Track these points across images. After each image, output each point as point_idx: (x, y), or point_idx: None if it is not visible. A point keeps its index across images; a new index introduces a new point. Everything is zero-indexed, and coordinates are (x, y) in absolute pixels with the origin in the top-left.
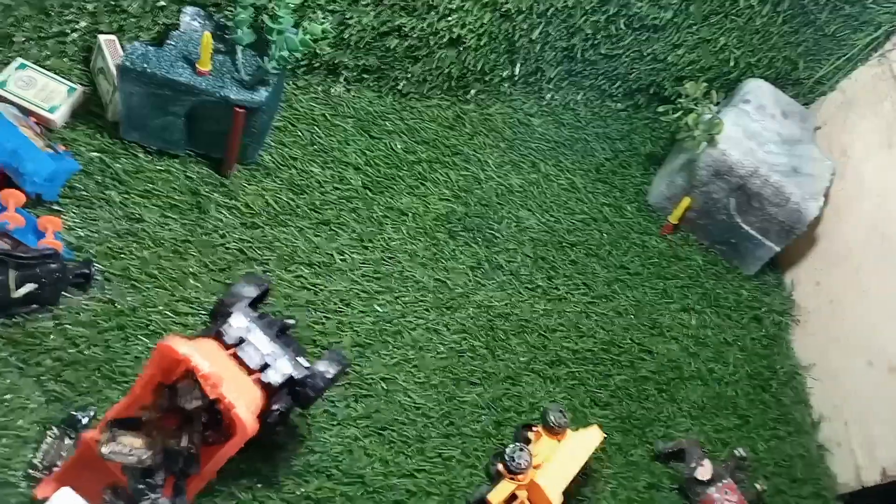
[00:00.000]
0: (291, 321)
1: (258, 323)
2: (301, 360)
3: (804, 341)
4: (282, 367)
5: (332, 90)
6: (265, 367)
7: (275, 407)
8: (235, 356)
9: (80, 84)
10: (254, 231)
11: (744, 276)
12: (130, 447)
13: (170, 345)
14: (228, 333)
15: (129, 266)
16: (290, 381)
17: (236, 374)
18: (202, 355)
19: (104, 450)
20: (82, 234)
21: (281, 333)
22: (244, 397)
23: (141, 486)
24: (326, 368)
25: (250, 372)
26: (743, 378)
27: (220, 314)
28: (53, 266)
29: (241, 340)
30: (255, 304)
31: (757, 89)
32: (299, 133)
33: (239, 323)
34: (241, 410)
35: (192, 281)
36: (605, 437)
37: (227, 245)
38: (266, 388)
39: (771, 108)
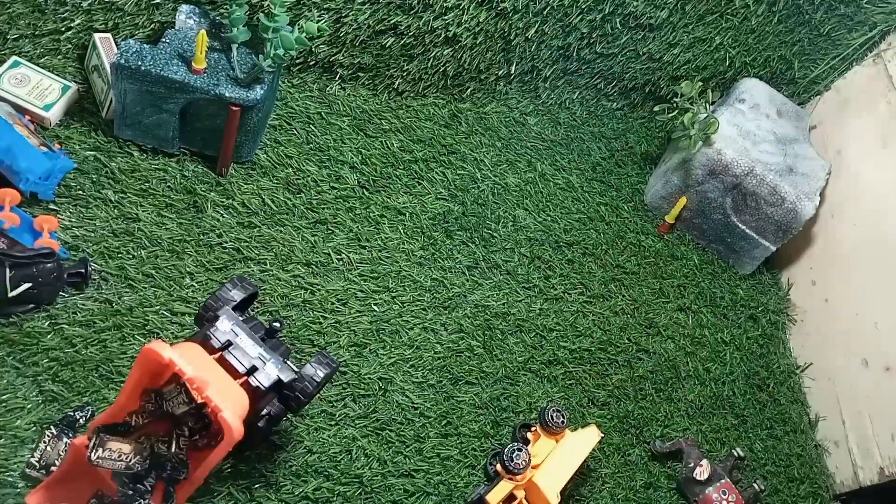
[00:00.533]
0: (278, 324)
1: (245, 326)
2: (290, 363)
3: (800, 340)
4: (270, 371)
5: (328, 88)
6: (253, 370)
7: (263, 411)
8: (222, 360)
9: (75, 82)
10: (251, 230)
11: (740, 276)
12: (119, 453)
13: (153, 349)
14: (215, 337)
15: (126, 265)
16: (278, 385)
17: (223, 377)
18: (187, 359)
19: (92, 456)
20: (78, 233)
21: (268, 337)
22: (231, 401)
23: (130, 492)
24: (315, 371)
25: (238, 376)
26: (740, 377)
27: (206, 318)
28: (50, 265)
29: (229, 344)
30: (243, 307)
31: (752, 88)
32: (295, 131)
33: (225, 326)
34: (228, 414)
35: (188, 280)
36: (602, 437)
37: (224, 244)
38: (254, 391)
39: (766, 108)
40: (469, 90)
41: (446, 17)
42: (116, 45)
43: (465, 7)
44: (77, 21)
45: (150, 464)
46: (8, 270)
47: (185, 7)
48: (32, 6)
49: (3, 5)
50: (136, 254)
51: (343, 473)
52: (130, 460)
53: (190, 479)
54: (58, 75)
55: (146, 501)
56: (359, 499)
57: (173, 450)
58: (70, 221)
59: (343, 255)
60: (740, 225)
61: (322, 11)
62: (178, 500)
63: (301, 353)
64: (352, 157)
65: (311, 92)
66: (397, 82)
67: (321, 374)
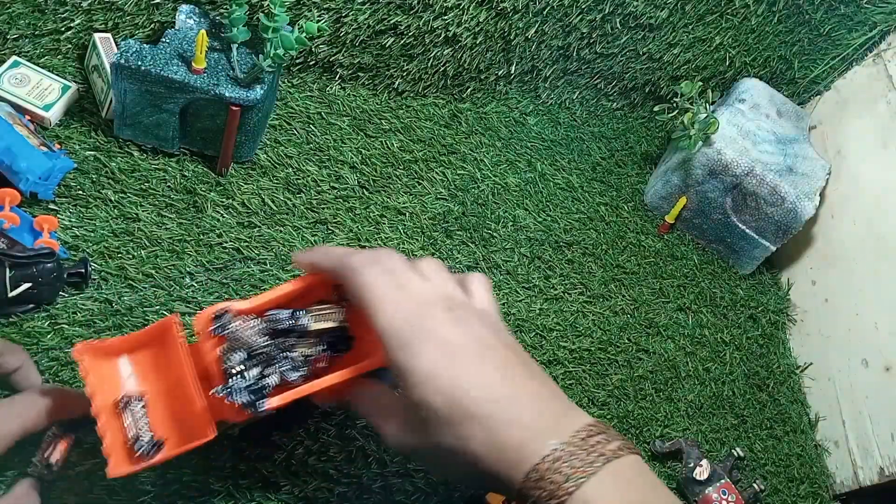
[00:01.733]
0: None
1: None
2: None
3: (800, 340)
4: None
5: (328, 88)
6: None
7: None
8: None
9: (75, 82)
10: (251, 230)
11: (740, 276)
12: (247, 328)
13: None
14: None
15: (126, 265)
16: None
17: None
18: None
19: (229, 322)
20: (78, 233)
21: None
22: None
23: (243, 380)
24: None
25: None
26: (740, 377)
27: None
28: (50, 265)
29: None
30: None
31: (752, 88)
32: (294, 131)
33: None
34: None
35: (188, 280)
36: None
37: (224, 244)
38: None
39: (766, 108)
40: (469, 90)
41: (446, 17)
42: (116, 45)
43: (465, 7)
44: (77, 21)
45: (266, 356)
46: (8, 270)
47: (185, 7)
48: (32, 6)
49: (3, 5)
50: (136, 254)
51: (343, 473)
52: (256, 341)
53: (298, 388)
54: (58, 75)
55: (266, 392)
56: (359, 499)
57: (297, 353)
58: (70, 221)
59: None
60: (740, 225)
61: (322, 11)
62: (270, 402)
63: None
64: (352, 157)
65: (311, 92)
66: (397, 82)
67: None
